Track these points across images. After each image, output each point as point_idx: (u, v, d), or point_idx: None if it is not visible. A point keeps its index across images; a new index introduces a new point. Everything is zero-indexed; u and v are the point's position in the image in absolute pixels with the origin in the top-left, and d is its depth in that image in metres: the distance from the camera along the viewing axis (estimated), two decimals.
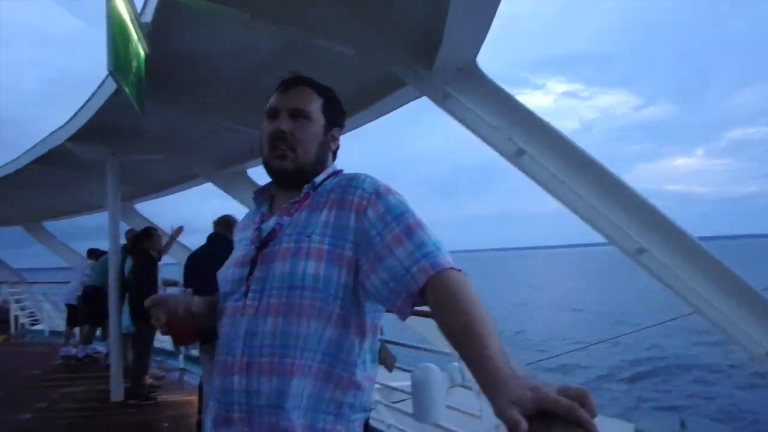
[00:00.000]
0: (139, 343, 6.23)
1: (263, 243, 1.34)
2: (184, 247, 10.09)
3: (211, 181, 7.75)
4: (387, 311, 1.33)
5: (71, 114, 6.57)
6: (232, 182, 7.48)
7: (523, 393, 0.82)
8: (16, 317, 12.33)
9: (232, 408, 1.25)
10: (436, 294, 1.13)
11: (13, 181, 9.54)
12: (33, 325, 12.58)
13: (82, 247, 12.96)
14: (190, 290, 1.50)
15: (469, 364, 1.00)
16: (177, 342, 1.60)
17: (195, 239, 6.72)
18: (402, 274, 1.17)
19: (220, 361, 1.32)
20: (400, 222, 1.24)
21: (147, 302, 1.46)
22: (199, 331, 1.56)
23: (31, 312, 12.94)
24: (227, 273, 1.40)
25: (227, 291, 1.38)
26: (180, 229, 6.87)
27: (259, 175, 7.62)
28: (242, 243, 1.43)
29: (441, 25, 3.61)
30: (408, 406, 3.80)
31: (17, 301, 12.67)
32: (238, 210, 5.26)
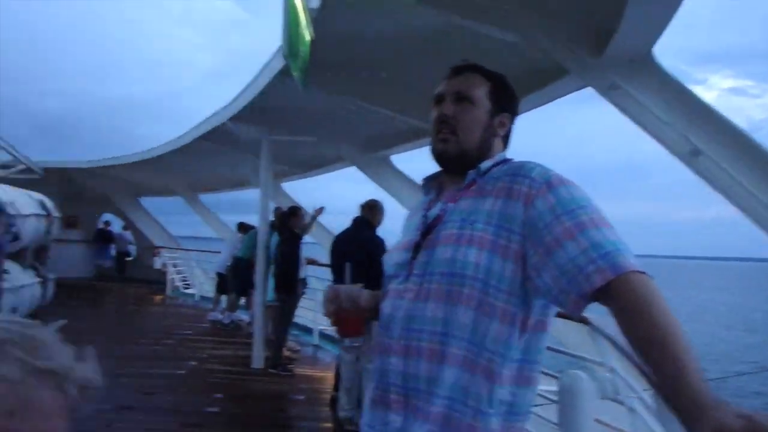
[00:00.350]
0: (280, 315, 6.53)
1: (428, 229, 1.34)
2: (322, 227, 10.49)
3: (356, 165, 7.94)
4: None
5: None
6: (375, 167, 7.61)
7: (731, 421, 0.76)
8: (172, 279, 13.58)
9: (389, 389, 1.26)
10: (621, 300, 1.05)
11: (181, 155, 10.45)
12: (185, 288, 13.77)
13: (229, 220, 13.96)
14: (361, 285, 1.53)
15: (661, 383, 0.94)
16: (342, 333, 1.63)
17: (326, 220, 6.96)
18: (573, 273, 1.10)
19: (379, 342, 1.34)
20: (573, 216, 1.15)
21: (326, 293, 1.54)
22: (365, 325, 1.59)
23: (185, 276, 14.17)
24: (393, 256, 1.42)
25: (391, 274, 1.40)
26: (321, 210, 7.08)
27: (401, 163, 7.67)
28: (410, 228, 1.44)
29: (618, 12, 3.35)
30: (547, 412, 3.61)
31: (174, 266, 13.96)
32: (375, 195, 5.33)
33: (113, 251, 16.45)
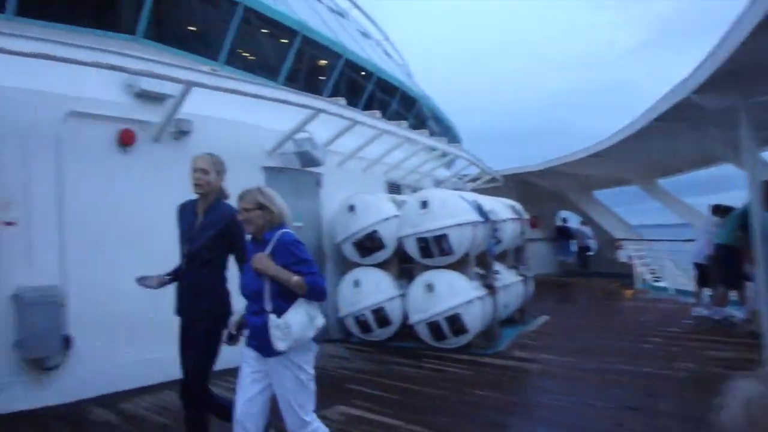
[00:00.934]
0: None
1: None
2: None
3: None
4: None
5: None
6: None
7: None
8: (639, 272, 13.04)
9: None
10: None
11: (633, 141, 9.96)
12: (656, 281, 13.01)
13: (694, 203, 12.60)
14: None
15: None
16: None
17: None
18: None
19: None
20: None
21: None
22: None
23: (653, 268, 13.43)
24: None
25: None
26: None
27: None
28: None
29: None
30: None
31: (639, 258, 13.39)
32: None
33: (574, 247, 16.95)
